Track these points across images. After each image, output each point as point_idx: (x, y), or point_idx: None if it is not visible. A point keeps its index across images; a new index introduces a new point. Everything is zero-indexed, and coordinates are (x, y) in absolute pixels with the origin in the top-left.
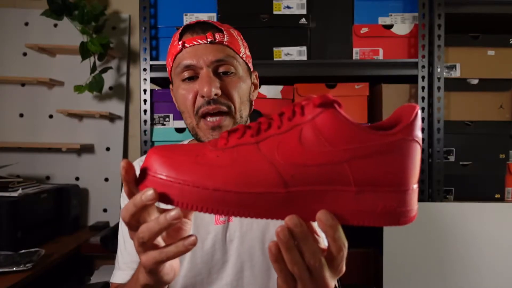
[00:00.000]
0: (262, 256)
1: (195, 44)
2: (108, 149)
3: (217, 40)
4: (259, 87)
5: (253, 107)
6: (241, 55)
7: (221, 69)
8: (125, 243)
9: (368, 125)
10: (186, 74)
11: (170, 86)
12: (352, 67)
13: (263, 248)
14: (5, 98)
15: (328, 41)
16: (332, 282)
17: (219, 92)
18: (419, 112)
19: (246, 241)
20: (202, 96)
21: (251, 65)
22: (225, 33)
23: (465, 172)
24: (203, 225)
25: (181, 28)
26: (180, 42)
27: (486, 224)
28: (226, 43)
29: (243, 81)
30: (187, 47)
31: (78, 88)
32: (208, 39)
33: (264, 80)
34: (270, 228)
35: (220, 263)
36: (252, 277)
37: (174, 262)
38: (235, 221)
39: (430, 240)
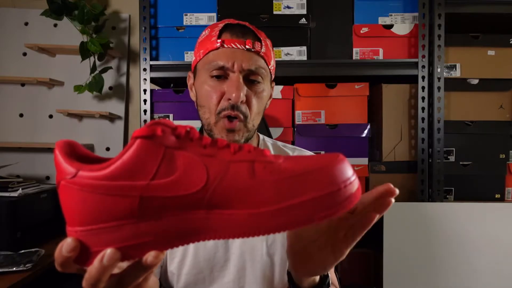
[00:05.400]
0: (264, 256)
1: (233, 47)
2: (108, 149)
3: (254, 50)
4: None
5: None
6: (270, 67)
7: (251, 77)
8: None
9: None
10: (215, 72)
11: (189, 74)
12: (352, 67)
13: (265, 248)
14: (5, 98)
15: (328, 41)
16: None
17: (245, 98)
18: None
19: (248, 240)
20: (228, 99)
21: (273, 75)
22: (262, 43)
23: (465, 172)
24: None
25: (221, 25)
26: (219, 40)
27: (487, 224)
28: (262, 54)
29: (266, 91)
30: (225, 47)
31: (78, 88)
32: (247, 46)
33: None
34: None
35: (222, 261)
36: (253, 276)
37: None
38: None
39: (430, 240)
